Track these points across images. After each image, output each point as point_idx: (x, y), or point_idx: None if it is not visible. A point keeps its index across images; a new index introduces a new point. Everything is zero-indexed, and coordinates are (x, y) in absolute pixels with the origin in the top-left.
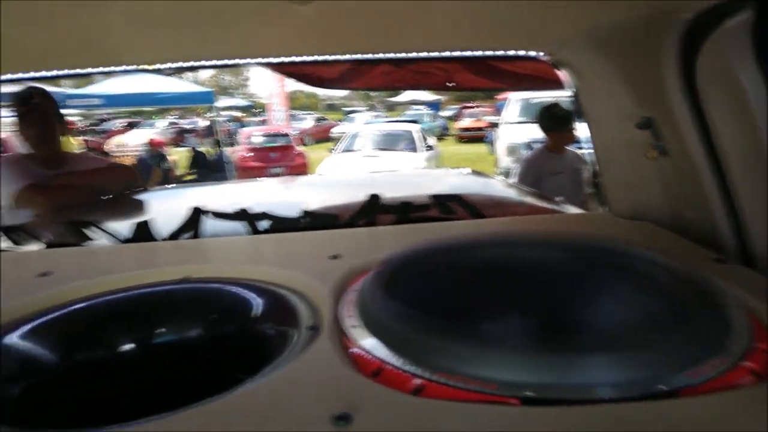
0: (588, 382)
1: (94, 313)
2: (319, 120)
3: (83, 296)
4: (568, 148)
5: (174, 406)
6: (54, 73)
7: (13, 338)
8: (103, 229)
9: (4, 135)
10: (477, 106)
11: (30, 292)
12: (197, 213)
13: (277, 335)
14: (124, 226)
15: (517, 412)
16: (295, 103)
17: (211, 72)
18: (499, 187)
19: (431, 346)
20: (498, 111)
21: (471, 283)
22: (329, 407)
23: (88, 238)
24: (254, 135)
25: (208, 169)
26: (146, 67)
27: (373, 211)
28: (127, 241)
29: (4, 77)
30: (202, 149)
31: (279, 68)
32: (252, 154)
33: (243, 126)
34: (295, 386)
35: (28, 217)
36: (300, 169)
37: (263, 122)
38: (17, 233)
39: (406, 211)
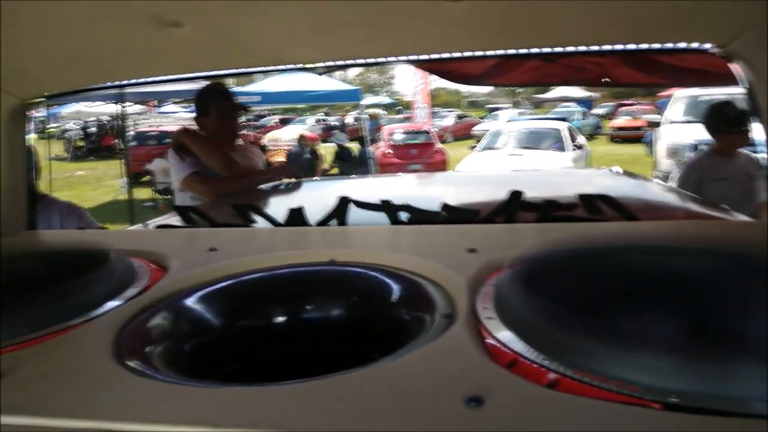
0: (739, 395)
1: (253, 286)
2: (460, 117)
3: (244, 270)
4: (740, 151)
5: (317, 375)
6: (223, 72)
7: (188, 302)
8: (262, 214)
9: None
10: (635, 104)
11: (201, 264)
12: (344, 202)
13: (414, 321)
14: (279, 212)
15: (658, 417)
16: (438, 101)
17: (358, 70)
18: (655, 190)
19: (570, 342)
20: (659, 109)
21: (615, 285)
22: (462, 390)
23: (250, 221)
24: (396, 132)
25: (352, 163)
26: (302, 65)
27: (513, 207)
28: (281, 225)
29: (176, 76)
30: (346, 145)
31: (425, 65)
32: (392, 150)
33: (377, 123)
34: (430, 367)
35: (192, 201)
36: (439, 166)
37: (406, 119)
38: (189, 213)
39: (549, 210)
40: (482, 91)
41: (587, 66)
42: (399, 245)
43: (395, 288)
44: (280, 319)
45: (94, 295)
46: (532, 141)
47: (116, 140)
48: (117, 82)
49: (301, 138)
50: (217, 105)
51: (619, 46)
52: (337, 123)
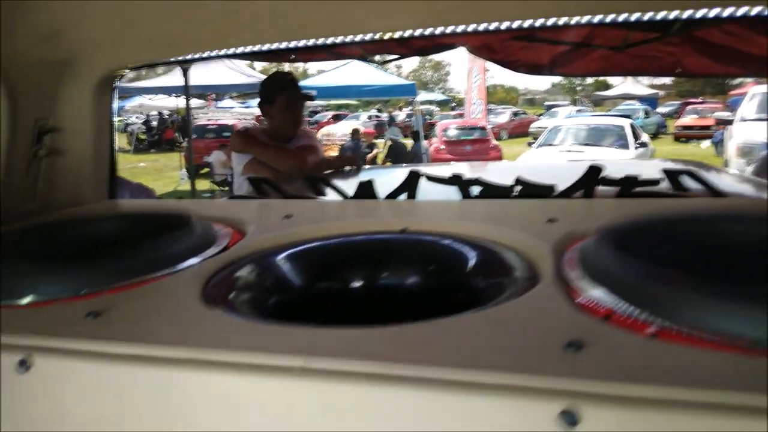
0: None
1: (331, 250)
2: (516, 114)
3: (321, 236)
4: None
5: None
6: (308, 43)
7: (271, 260)
8: (332, 186)
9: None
10: (703, 102)
11: (277, 229)
12: (415, 176)
13: (494, 286)
14: (350, 186)
15: (765, 366)
16: (493, 98)
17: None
18: (730, 181)
19: (668, 297)
20: (731, 108)
21: (707, 249)
22: (559, 336)
23: (320, 194)
24: (450, 128)
25: (405, 159)
26: (387, 35)
27: (592, 182)
28: (351, 198)
29: (256, 48)
30: (400, 140)
31: (490, 56)
32: (446, 146)
33: (425, 119)
34: (523, 317)
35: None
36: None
37: (459, 116)
38: (261, 185)
39: (630, 185)
40: (539, 89)
41: (659, 55)
42: (473, 216)
43: (472, 254)
44: (358, 284)
45: (180, 252)
46: (593, 138)
47: (176, 134)
48: (198, 54)
49: (356, 133)
50: (284, 93)
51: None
52: (389, 119)
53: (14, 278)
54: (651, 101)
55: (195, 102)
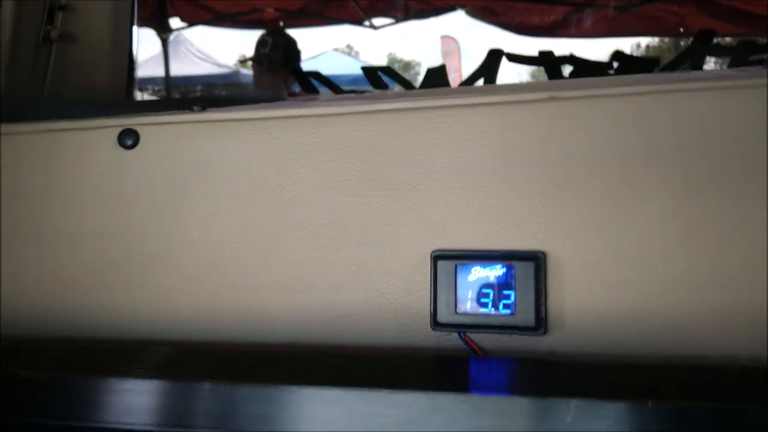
0: None
1: None
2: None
3: None
4: None
5: None
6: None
7: None
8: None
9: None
10: None
11: None
12: (495, 56)
13: None
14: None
15: None
16: None
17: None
18: None
19: None
20: None
21: None
22: None
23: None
24: None
25: None
26: None
27: (703, 51)
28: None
29: None
30: None
31: (489, 17)
32: None
33: None
34: None
35: None
36: None
37: None
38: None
39: (746, 53)
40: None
41: (662, 15)
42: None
43: None
44: None
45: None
46: None
47: None
48: None
49: None
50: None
51: None
52: None
53: None
54: None
55: None
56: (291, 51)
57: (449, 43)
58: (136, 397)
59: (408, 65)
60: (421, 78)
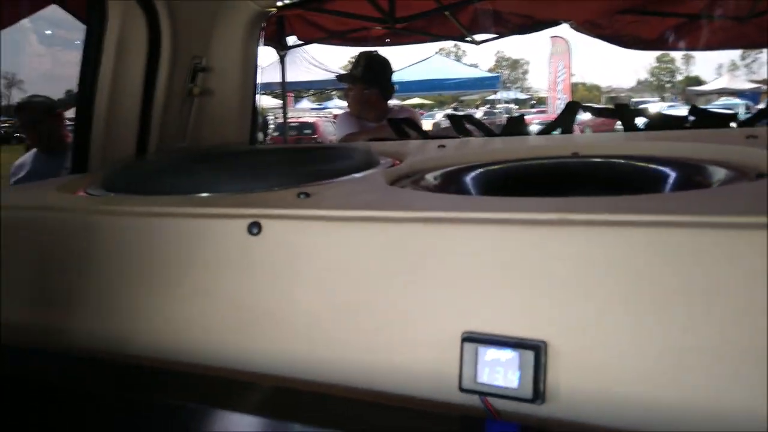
0: None
1: (508, 172)
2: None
3: (487, 161)
4: None
5: None
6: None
7: (453, 173)
8: (480, 126)
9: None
10: None
11: (437, 157)
12: (573, 107)
13: None
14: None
15: None
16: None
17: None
18: None
19: None
20: None
21: None
22: None
23: (469, 133)
24: (533, 123)
25: None
26: None
27: None
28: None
29: None
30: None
31: (593, 30)
32: None
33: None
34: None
35: None
36: None
37: (541, 113)
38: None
39: None
40: (623, 87)
41: None
42: (639, 145)
43: (675, 173)
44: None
45: (358, 164)
46: None
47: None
48: None
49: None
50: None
51: None
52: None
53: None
54: (753, 96)
55: (274, 102)
56: (383, 72)
57: (559, 43)
58: None
59: (516, 63)
60: (529, 76)
